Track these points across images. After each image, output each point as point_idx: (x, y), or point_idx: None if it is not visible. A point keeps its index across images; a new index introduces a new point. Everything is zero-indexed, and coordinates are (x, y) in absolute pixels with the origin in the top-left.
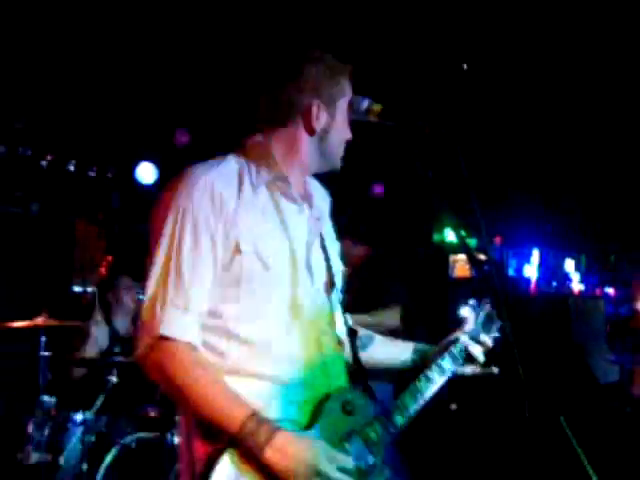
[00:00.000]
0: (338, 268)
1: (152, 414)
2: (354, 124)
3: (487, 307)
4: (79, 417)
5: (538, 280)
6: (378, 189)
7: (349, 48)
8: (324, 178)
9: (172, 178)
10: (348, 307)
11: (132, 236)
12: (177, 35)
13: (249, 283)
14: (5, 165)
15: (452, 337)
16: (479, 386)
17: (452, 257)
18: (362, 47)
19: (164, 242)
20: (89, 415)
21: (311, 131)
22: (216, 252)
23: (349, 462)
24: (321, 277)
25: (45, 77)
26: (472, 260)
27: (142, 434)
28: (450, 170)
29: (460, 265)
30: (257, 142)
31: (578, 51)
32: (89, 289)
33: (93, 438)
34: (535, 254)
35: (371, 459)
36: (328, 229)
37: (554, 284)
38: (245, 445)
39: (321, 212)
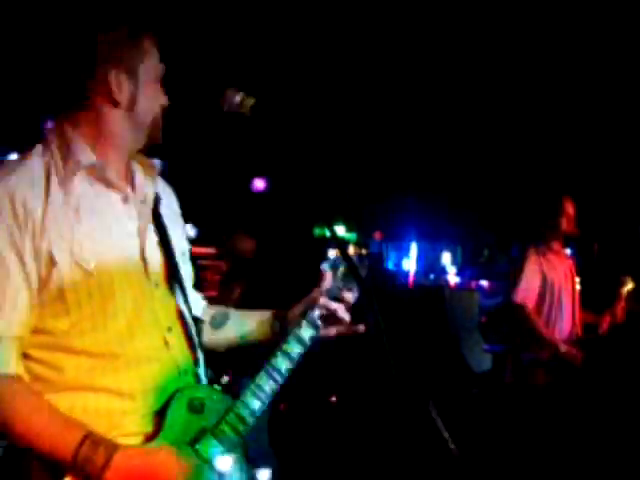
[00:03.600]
0: (181, 251)
1: None
2: (229, 117)
3: (344, 262)
4: None
5: (416, 273)
6: (260, 184)
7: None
8: (206, 169)
9: None
10: (249, 300)
11: None
12: None
13: (74, 294)
14: None
15: (309, 300)
16: (359, 377)
17: (331, 252)
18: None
19: None
20: None
21: (115, 104)
22: (27, 269)
23: (196, 466)
24: (158, 266)
25: None
26: (344, 255)
27: None
28: (329, 167)
29: None
30: (61, 131)
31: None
32: None
33: None
34: (413, 248)
35: (227, 456)
36: (166, 210)
37: (431, 277)
38: (85, 471)
39: (147, 193)
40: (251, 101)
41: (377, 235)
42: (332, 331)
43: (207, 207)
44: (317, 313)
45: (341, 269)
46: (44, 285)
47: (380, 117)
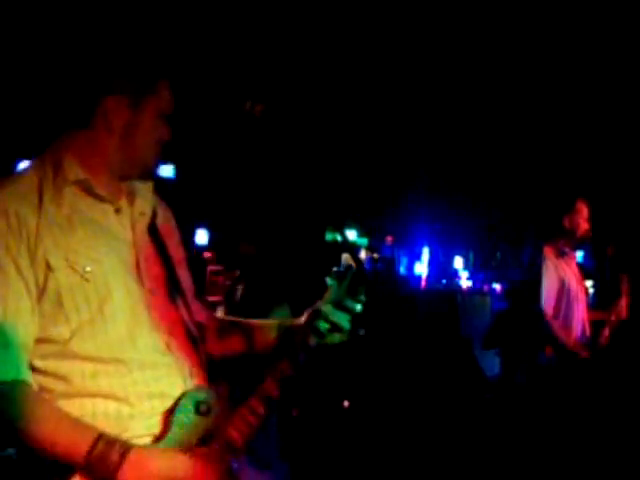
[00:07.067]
0: (178, 260)
1: None
2: (242, 122)
3: (352, 271)
4: None
5: (428, 277)
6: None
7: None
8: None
9: None
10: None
11: None
12: None
13: (72, 300)
14: None
15: (313, 309)
16: (371, 382)
17: (344, 256)
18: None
19: None
20: None
21: (110, 129)
22: (25, 277)
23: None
24: (155, 274)
25: None
26: (355, 259)
27: None
28: (342, 172)
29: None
30: (56, 149)
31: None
32: None
33: None
34: (425, 252)
35: (234, 460)
36: (162, 223)
37: (444, 281)
38: (98, 470)
39: (145, 207)
40: (260, 107)
41: (389, 239)
42: (334, 338)
43: (219, 213)
44: (322, 322)
45: (347, 279)
46: (42, 292)
47: (393, 122)
